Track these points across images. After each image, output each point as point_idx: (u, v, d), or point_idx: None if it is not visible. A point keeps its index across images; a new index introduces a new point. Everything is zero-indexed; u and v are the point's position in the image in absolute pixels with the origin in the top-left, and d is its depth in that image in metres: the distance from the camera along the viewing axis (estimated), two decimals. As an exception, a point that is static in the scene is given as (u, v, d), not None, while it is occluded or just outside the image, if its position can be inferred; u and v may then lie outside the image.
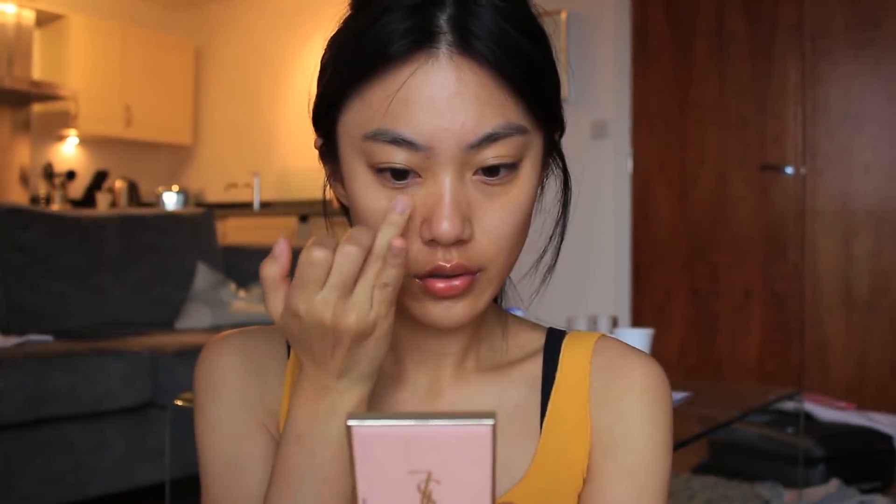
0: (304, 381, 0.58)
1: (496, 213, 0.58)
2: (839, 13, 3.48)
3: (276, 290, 0.56)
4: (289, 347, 0.69)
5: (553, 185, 0.67)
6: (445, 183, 0.56)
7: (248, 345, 0.69)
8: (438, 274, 0.58)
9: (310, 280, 0.54)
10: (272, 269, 0.56)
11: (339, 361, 0.56)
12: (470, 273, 0.59)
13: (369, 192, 0.58)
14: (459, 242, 0.57)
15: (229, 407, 0.66)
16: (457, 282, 0.58)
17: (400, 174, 0.57)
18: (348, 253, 0.53)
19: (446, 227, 0.56)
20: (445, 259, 0.57)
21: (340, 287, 0.53)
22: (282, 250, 0.55)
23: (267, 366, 0.68)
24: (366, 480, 0.39)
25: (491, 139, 0.56)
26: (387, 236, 0.54)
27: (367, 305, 0.54)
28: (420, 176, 0.57)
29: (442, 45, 0.55)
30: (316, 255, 0.53)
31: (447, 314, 0.59)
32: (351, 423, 0.39)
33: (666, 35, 3.93)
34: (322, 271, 0.53)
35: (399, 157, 0.56)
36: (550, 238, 0.68)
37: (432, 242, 0.57)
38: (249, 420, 0.66)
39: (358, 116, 0.58)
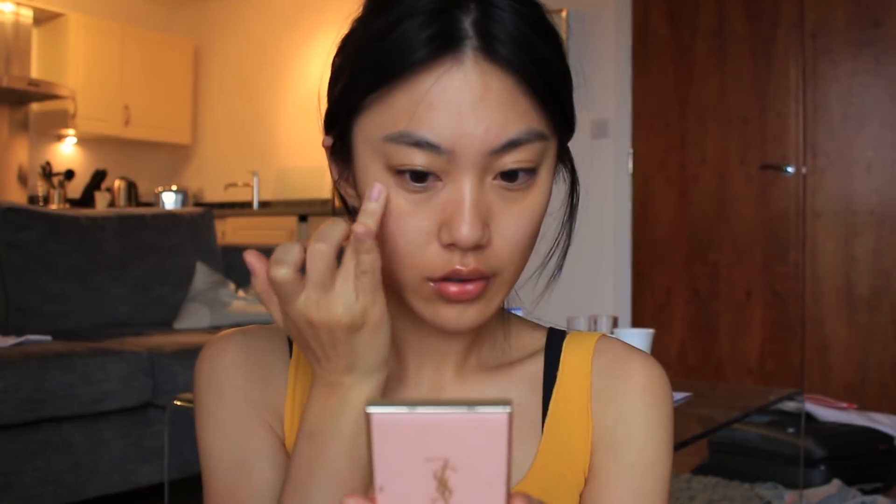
0: (316, 380, 0.59)
1: (513, 219, 0.58)
2: (840, 12, 3.47)
3: (270, 301, 0.57)
4: (291, 346, 0.70)
5: (559, 189, 0.67)
6: (466, 187, 0.56)
7: (250, 343, 0.69)
8: (454, 278, 0.58)
9: (286, 293, 0.55)
10: (257, 285, 0.57)
11: (342, 357, 0.56)
12: (485, 278, 0.58)
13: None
14: (478, 247, 0.57)
15: (233, 405, 0.66)
16: (470, 286, 0.58)
17: (420, 176, 0.56)
18: (317, 251, 0.54)
19: (466, 231, 0.55)
20: (463, 263, 0.57)
21: (319, 285, 0.54)
22: (252, 265, 0.56)
23: (270, 364, 0.68)
24: (383, 467, 0.39)
25: (513, 145, 0.56)
26: (359, 228, 0.54)
27: (351, 296, 0.54)
28: (440, 179, 0.57)
29: (467, 49, 0.55)
30: (278, 275, 0.54)
31: (459, 318, 0.59)
32: (369, 409, 0.39)
33: (666, 34, 3.92)
34: (293, 285, 0.54)
35: (420, 160, 0.56)
36: (556, 243, 0.68)
37: (451, 246, 0.57)
38: (254, 418, 0.66)
39: (378, 119, 0.57)
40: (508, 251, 0.59)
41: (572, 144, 0.66)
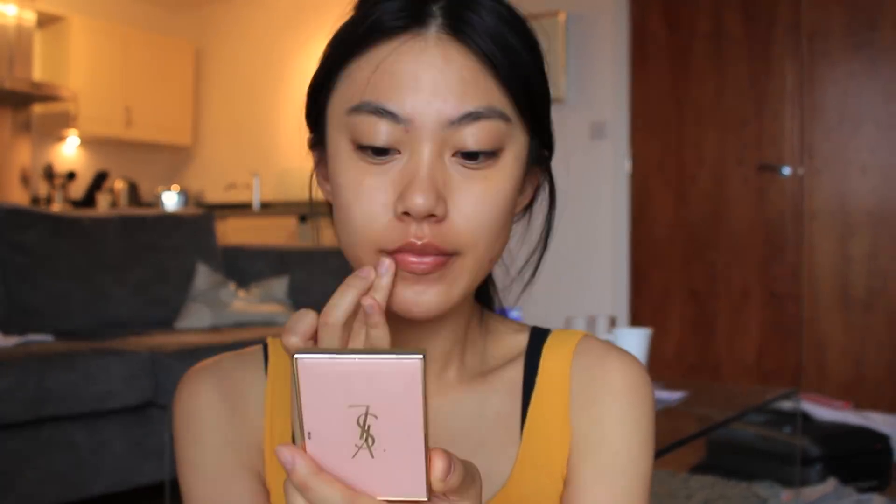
0: None
1: (473, 197, 0.58)
2: (836, 15, 3.49)
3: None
4: (266, 368, 0.69)
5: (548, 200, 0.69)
6: (423, 157, 0.56)
7: (223, 377, 0.67)
8: (408, 250, 0.57)
9: None
10: (291, 341, 0.56)
11: None
12: (443, 254, 0.58)
13: (349, 168, 0.58)
14: (432, 218, 0.56)
15: (211, 450, 0.65)
16: (428, 259, 0.57)
17: (380, 150, 0.57)
18: (327, 326, 0.54)
19: (419, 200, 0.55)
20: (417, 235, 0.56)
21: None
22: (303, 328, 0.56)
23: (245, 395, 0.67)
24: (311, 413, 0.41)
25: (472, 118, 0.56)
26: (368, 302, 0.54)
27: None
28: (400, 151, 0.57)
29: (432, 27, 0.57)
30: (289, 343, 0.55)
31: (418, 300, 0.58)
32: (297, 356, 0.41)
33: (664, 36, 3.94)
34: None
35: (381, 130, 0.56)
36: (533, 252, 0.69)
37: (405, 216, 0.56)
38: (233, 462, 0.65)
39: (345, 92, 0.59)
40: (468, 230, 0.58)
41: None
